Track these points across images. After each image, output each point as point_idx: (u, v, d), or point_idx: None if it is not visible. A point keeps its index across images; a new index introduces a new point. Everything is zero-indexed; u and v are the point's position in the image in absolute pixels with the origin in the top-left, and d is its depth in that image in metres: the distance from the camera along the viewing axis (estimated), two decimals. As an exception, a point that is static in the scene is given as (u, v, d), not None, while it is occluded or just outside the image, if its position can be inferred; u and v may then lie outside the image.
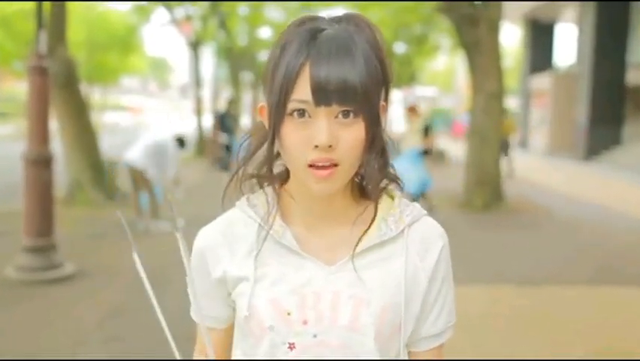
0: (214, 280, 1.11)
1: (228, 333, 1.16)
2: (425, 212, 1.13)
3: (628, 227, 8.30)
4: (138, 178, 7.19)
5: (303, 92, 0.98)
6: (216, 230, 1.12)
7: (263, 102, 1.07)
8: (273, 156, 1.07)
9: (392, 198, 1.12)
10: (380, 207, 1.09)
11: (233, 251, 1.10)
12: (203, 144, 17.84)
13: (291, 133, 1.00)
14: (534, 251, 6.88)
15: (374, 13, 18.26)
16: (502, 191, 9.64)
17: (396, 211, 1.10)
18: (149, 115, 48.05)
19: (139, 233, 7.06)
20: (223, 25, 19.79)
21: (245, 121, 26.99)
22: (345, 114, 0.99)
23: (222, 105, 16.78)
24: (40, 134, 5.33)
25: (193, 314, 1.13)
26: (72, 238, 6.53)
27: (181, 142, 7.55)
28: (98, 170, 9.14)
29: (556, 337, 4.10)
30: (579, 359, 1.77)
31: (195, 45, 19.00)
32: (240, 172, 1.10)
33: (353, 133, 1.00)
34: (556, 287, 5.38)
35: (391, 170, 1.10)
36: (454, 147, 20.34)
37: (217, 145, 14.57)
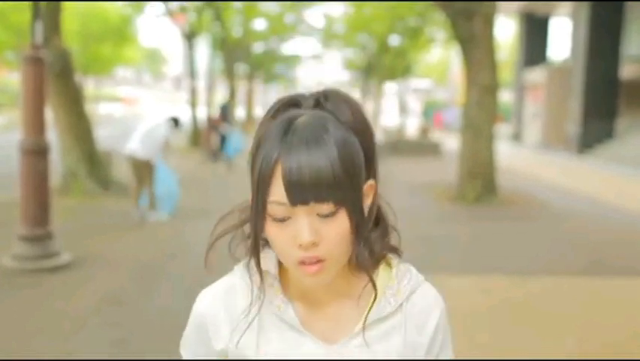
0: (213, 349, 1.10)
1: None
2: (422, 278, 1.11)
3: (620, 220, 8.38)
4: (142, 169, 7.16)
5: (278, 192, 0.95)
6: (217, 298, 1.10)
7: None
8: (258, 251, 1.04)
9: (390, 266, 1.09)
10: (378, 279, 1.07)
11: (234, 324, 1.08)
12: (197, 134, 17.85)
13: (276, 235, 0.99)
14: (526, 243, 6.95)
15: (369, 7, 18.27)
16: (495, 183, 9.70)
17: (394, 283, 1.08)
18: (143, 106, 47.90)
19: (135, 223, 7.10)
20: (218, 16, 19.75)
21: (240, 112, 26.94)
22: (323, 209, 0.96)
23: (224, 97, 16.87)
24: (36, 124, 5.35)
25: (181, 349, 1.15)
26: (68, 227, 6.56)
27: (175, 122, 7.51)
28: (92, 160, 9.14)
29: (547, 328, 4.17)
30: (577, 359, 1.82)
31: (190, 36, 18.95)
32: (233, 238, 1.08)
33: (336, 227, 0.97)
34: (549, 278, 5.44)
35: (389, 240, 1.08)
36: (450, 141, 20.39)
37: (215, 136, 14.71)
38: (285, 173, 0.94)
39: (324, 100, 1.01)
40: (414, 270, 1.11)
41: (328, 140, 0.95)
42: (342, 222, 0.97)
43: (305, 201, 0.95)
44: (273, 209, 0.97)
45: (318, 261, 0.97)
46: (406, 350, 1.07)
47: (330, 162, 0.94)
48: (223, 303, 1.09)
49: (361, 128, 1.01)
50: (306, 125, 0.96)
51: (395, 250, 1.09)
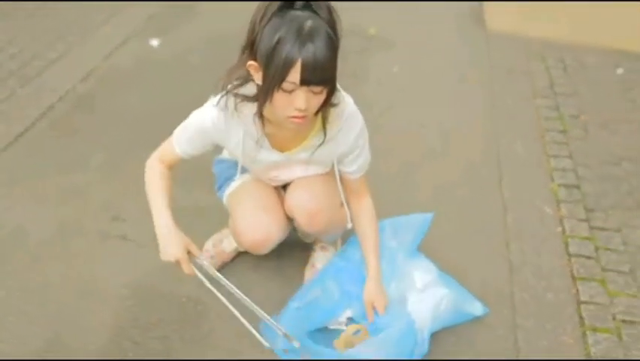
0: (209, 140, 1.75)
1: (180, 161, 1.83)
2: (352, 104, 1.70)
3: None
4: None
5: (294, 76, 1.43)
6: (218, 122, 1.68)
7: (254, 62, 1.50)
8: (264, 106, 1.56)
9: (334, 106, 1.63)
10: (328, 117, 1.65)
11: (229, 140, 1.74)
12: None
13: (281, 98, 1.48)
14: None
15: None
16: None
17: (334, 117, 1.67)
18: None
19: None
20: None
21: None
22: (316, 90, 1.48)
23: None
24: None
25: (173, 138, 1.80)
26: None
27: None
28: None
29: None
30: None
31: None
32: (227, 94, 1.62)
33: (319, 99, 1.51)
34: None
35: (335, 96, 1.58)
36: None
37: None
38: (304, 68, 1.41)
39: (314, 4, 1.44)
40: (347, 101, 1.69)
41: (328, 42, 1.42)
42: (322, 97, 1.51)
43: (309, 84, 1.45)
44: (286, 85, 1.44)
45: (303, 117, 1.51)
46: (339, 150, 1.75)
47: (329, 61, 1.43)
48: (224, 123, 1.68)
49: (336, 28, 1.46)
50: (312, 29, 1.40)
51: (336, 105, 1.62)
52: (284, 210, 1.94)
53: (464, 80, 3.49)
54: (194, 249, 1.74)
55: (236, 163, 1.91)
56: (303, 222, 1.89)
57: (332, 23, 1.46)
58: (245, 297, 1.76)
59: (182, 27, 3.90)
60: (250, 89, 1.60)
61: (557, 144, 2.92)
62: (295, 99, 1.47)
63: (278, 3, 1.44)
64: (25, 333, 1.89)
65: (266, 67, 1.45)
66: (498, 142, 2.93)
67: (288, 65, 1.41)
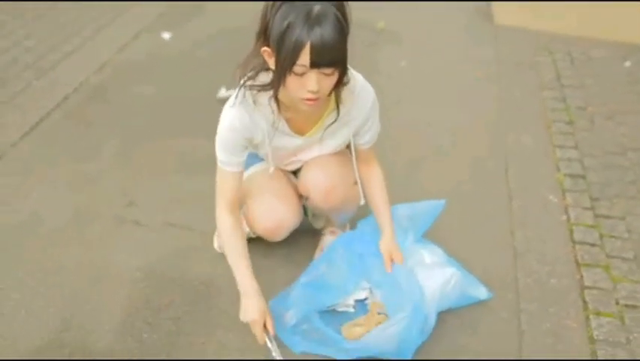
0: (242, 139, 1.74)
1: (241, 176, 1.82)
2: (362, 79, 1.77)
3: None
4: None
5: (304, 59, 1.48)
6: (244, 118, 1.71)
7: (267, 48, 1.55)
8: (278, 90, 1.61)
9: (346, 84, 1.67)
10: (340, 96, 1.70)
11: (256, 133, 1.76)
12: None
13: (294, 81, 1.53)
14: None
15: None
16: None
17: (347, 94, 1.72)
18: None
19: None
20: None
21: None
22: (327, 71, 1.52)
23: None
24: None
25: (221, 165, 1.77)
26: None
27: None
28: None
29: None
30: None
31: None
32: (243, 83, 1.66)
33: (331, 80, 1.56)
34: None
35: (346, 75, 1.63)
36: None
37: None
38: (313, 50, 1.46)
39: None
40: (357, 78, 1.76)
41: (337, 25, 1.46)
42: (334, 78, 1.56)
43: (319, 66, 1.49)
44: (297, 68, 1.49)
45: (316, 99, 1.56)
46: (354, 126, 1.83)
47: (338, 43, 1.47)
48: (249, 120, 1.72)
49: (345, 12, 1.51)
50: (320, 13, 1.45)
51: (346, 84, 1.67)
52: (297, 195, 1.99)
53: (472, 73, 3.52)
54: (269, 322, 1.79)
55: (250, 153, 1.93)
56: (318, 198, 1.94)
57: (341, 7, 1.50)
58: None
59: (192, 22, 3.96)
60: (265, 77, 1.65)
61: (563, 134, 2.96)
62: (307, 81, 1.52)
63: None
64: (41, 313, 1.95)
65: (278, 51, 1.50)
66: (505, 133, 2.96)
67: (297, 49, 1.46)
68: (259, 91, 1.67)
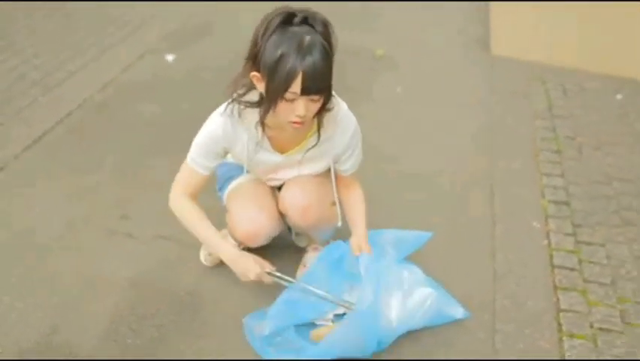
0: (221, 148, 1.88)
1: (204, 181, 1.94)
2: (345, 107, 1.87)
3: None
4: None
5: (296, 87, 1.60)
6: (227, 127, 1.83)
7: (256, 73, 1.66)
8: (267, 114, 1.72)
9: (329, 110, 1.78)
10: (323, 120, 1.80)
11: (236, 144, 1.88)
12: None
13: (284, 106, 1.65)
14: None
15: None
16: None
17: (330, 121, 1.82)
18: None
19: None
20: None
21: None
22: (315, 98, 1.65)
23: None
24: None
25: (190, 162, 1.91)
26: None
27: None
28: None
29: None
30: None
31: None
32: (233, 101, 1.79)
33: (317, 105, 1.69)
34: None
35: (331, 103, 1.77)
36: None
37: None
38: (305, 79, 1.58)
39: (314, 21, 1.60)
40: (341, 105, 1.85)
41: (325, 55, 1.59)
42: (319, 104, 1.69)
43: (309, 93, 1.62)
44: (288, 95, 1.61)
45: (302, 122, 1.69)
46: (335, 151, 1.92)
47: (326, 72, 1.62)
48: (231, 129, 1.83)
49: (331, 40, 1.62)
50: (310, 44, 1.57)
51: (330, 110, 1.78)
52: (277, 207, 2.07)
53: (465, 101, 3.61)
54: (266, 264, 1.95)
55: (237, 166, 2.06)
56: (296, 216, 2.01)
57: (327, 36, 1.62)
58: (316, 290, 1.95)
59: (197, 44, 4.09)
60: (253, 96, 1.76)
61: (551, 163, 3.02)
62: (296, 107, 1.64)
63: (279, 19, 1.60)
64: (31, 318, 2.02)
65: (269, 78, 1.61)
66: (494, 160, 3.03)
67: (290, 78, 1.58)
68: (247, 107, 1.78)
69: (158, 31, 4.22)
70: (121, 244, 2.36)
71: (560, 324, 2.12)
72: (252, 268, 1.91)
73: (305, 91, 1.61)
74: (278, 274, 1.96)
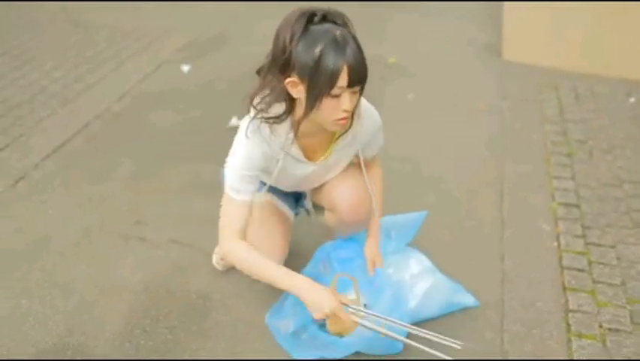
0: (260, 169, 1.81)
1: (250, 208, 1.84)
2: (365, 102, 1.86)
3: None
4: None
5: (343, 81, 1.59)
6: (264, 147, 1.78)
7: (292, 78, 1.62)
8: (307, 116, 1.67)
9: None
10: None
11: (271, 161, 1.83)
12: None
13: (329, 104, 1.63)
14: None
15: None
16: None
17: (355, 122, 1.83)
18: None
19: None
20: None
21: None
22: (356, 89, 1.65)
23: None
24: None
25: (235, 194, 1.79)
26: None
27: None
28: None
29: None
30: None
31: None
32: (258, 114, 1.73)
33: (357, 97, 1.68)
34: None
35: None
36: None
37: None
38: (351, 71, 1.58)
39: (341, 20, 1.63)
40: (362, 102, 1.83)
41: (359, 45, 1.60)
42: (358, 95, 1.67)
43: (354, 85, 1.61)
44: (335, 90, 1.59)
45: (347, 117, 1.67)
46: (360, 144, 1.94)
47: (365, 61, 1.61)
48: (264, 150, 1.78)
49: (354, 32, 1.64)
50: (344, 37, 1.58)
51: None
52: (287, 237, 2.09)
53: (477, 107, 3.63)
54: (342, 297, 1.84)
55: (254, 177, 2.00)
56: (347, 215, 2.00)
57: (349, 27, 1.64)
58: (400, 322, 1.84)
59: (212, 55, 4.17)
60: (278, 109, 1.72)
61: (562, 166, 3.03)
62: (342, 102, 1.63)
63: (302, 21, 1.59)
64: (48, 320, 2.08)
65: (312, 79, 1.58)
66: (504, 163, 3.05)
67: (336, 73, 1.56)
68: (273, 123, 1.74)
69: (174, 43, 4.31)
70: (135, 249, 2.42)
71: (568, 324, 2.13)
72: (327, 301, 1.75)
73: (351, 83, 1.60)
74: (355, 307, 1.85)
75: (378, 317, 1.85)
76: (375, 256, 2.06)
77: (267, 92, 1.70)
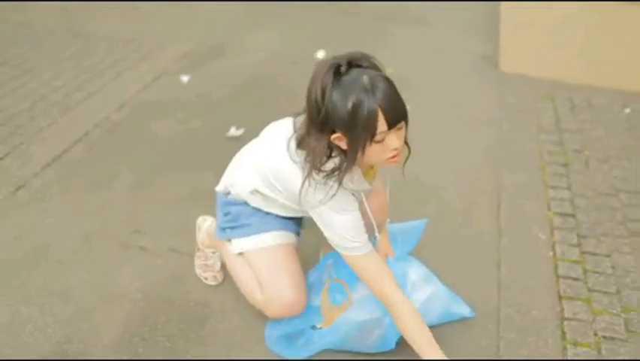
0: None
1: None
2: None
3: None
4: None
5: (382, 125, 1.59)
6: (350, 196, 1.80)
7: (336, 134, 1.64)
8: (355, 161, 1.68)
9: None
10: None
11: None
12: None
13: (376, 148, 1.63)
14: None
15: None
16: None
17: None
18: None
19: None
20: None
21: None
22: (400, 125, 1.64)
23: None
24: None
25: (364, 247, 1.80)
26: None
27: None
28: None
29: None
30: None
31: None
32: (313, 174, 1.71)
33: (403, 134, 1.69)
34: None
35: None
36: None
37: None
38: (388, 116, 1.58)
39: (367, 62, 1.64)
40: None
41: (389, 83, 1.61)
42: (404, 130, 1.68)
43: (395, 124, 1.61)
44: (378, 137, 1.60)
45: (398, 155, 1.68)
46: None
47: (398, 97, 1.62)
48: (350, 192, 1.80)
49: (381, 70, 1.66)
50: (372, 80, 1.58)
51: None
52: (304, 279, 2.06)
53: (474, 117, 3.65)
54: None
55: (260, 213, 2.00)
56: (382, 215, 2.07)
57: (376, 67, 1.65)
58: None
59: (211, 65, 4.19)
60: (330, 164, 1.71)
61: (558, 175, 3.05)
62: (389, 143, 1.63)
63: (330, 75, 1.59)
64: (47, 328, 2.10)
65: (352, 130, 1.59)
66: (501, 173, 3.07)
67: (373, 119, 1.57)
68: (329, 177, 1.71)
69: (173, 53, 4.34)
70: (133, 258, 2.44)
71: (563, 332, 2.15)
72: None
73: (391, 124, 1.60)
74: None
75: None
76: (388, 250, 2.10)
77: (317, 152, 1.68)
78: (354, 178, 1.79)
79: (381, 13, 5.34)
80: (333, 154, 1.71)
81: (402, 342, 1.90)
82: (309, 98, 1.63)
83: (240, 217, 2.04)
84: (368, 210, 1.90)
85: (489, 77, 4.18)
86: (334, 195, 1.72)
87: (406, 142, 1.74)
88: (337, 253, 2.11)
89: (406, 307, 1.79)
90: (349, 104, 1.56)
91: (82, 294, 2.25)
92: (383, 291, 1.79)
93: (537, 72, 4.14)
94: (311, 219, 1.88)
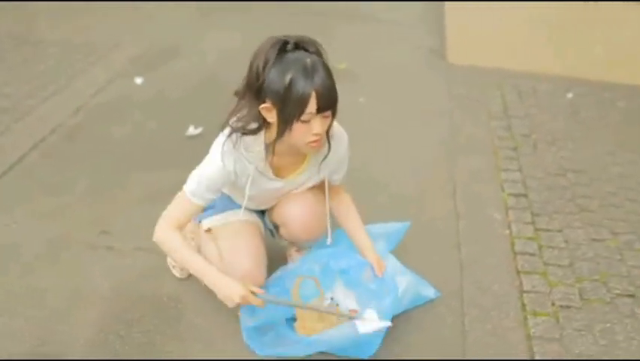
0: (227, 181, 1.91)
1: (199, 211, 2.00)
2: (336, 124, 1.89)
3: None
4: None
5: (312, 107, 1.68)
6: (237, 161, 1.86)
7: (266, 104, 1.73)
8: (280, 139, 1.77)
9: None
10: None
11: (242, 176, 1.91)
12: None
13: (300, 128, 1.72)
14: None
15: None
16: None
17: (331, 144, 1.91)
18: None
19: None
20: None
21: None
22: (327, 114, 1.74)
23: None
24: None
25: (191, 195, 1.91)
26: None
27: None
28: None
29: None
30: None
31: None
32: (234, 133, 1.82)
33: (328, 121, 1.78)
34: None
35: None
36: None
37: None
38: (320, 97, 1.67)
39: (312, 46, 1.73)
40: (334, 124, 1.85)
41: (329, 72, 1.71)
42: (330, 119, 1.77)
43: (323, 111, 1.71)
44: (305, 116, 1.69)
45: (319, 140, 1.76)
46: (329, 173, 2.05)
47: (334, 87, 1.71)
48: (240, 165, 1.87)
49: (326, 59, 1.74)
50: (314, 64, 1.67)
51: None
52: (264, 248, 2.14)
53: (425, 107, 3.78)
54: (251, 286, 1.90)
55: (224, 197, 2.10)
56: (298, 231, 2.13)
57: (321, 55, 1.74)
58: (309, 305, 2.03)
59: (165, 67, 4.19)
60: (254, 126, 1.81)
61: (509, 159, 3.20)
62: (312, 126, 1.72)
63: (275, 49, 1.68)
64: (19, 331, 2.09)
65: (282, 105, 1.69)
66: (454, 160, 3.19)
67: (305, 99, 1.66)
68: (249, 135, 1.82)
69: (126, 56, 4.32)
70: (102, 258, 2.44)
71: (523, 304, 2.27)
72: (235, 290, 1.86)
73: (320, 109, 1.69)
74: (265, 294, 1.94)
75: (288, 303, 2.04)
76: (379, 260, 2.12)
77: (243, 113, 1.79)
78: (254, 150, 1.85)
79: (331, 11, 5.44)
80: (256, 122, 1.79)
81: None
82: (251, 65, 1.72)
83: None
84: (328, 215, 2.03)
85: (438, 69, 4.32)
86: (224, 143, 1.83)
87: (328, 140, 1.87)
88: (328, 254, 2.14)
89: (174, 239, 1.92)
90: (287, 79, 1.65)
91: (53, 296, 2.24)
92: (159, 223, 1.95)
93: (484, 62, 4.30)
94: None
